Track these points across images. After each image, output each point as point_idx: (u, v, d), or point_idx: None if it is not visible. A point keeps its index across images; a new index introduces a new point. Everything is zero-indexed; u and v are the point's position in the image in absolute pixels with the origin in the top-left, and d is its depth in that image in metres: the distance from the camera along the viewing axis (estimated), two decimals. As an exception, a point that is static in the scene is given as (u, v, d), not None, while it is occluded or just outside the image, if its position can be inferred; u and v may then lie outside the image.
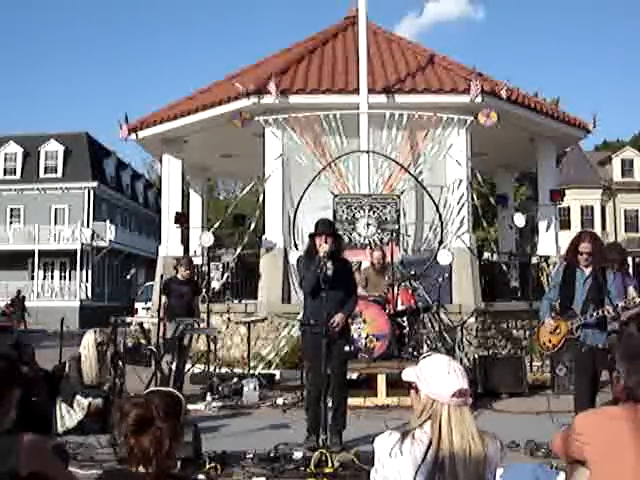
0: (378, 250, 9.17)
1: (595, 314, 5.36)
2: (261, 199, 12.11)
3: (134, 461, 1.99)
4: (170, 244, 13.57)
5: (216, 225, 12.89)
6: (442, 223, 11.27)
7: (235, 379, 8.30)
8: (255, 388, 7.80)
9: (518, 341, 11.71)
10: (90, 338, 6.42)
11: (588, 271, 5.52)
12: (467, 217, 11.71)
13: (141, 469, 1.99)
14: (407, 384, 2.34)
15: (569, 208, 36.22)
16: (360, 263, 10.46)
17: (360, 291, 8.22)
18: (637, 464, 2.17)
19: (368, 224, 10.78)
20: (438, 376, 2.25)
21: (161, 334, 7.83)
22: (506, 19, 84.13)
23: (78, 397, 6.17)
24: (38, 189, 34.35)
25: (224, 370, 9.35)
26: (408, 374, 2.33)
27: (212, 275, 11.98)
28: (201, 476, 4.54)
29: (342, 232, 10.32)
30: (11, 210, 34.61)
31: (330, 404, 5.47)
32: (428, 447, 2.16)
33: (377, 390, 7.38)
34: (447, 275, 10.93)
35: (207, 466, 4.70)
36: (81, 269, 32.73)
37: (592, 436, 2.28)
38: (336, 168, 11.31)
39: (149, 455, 1.96)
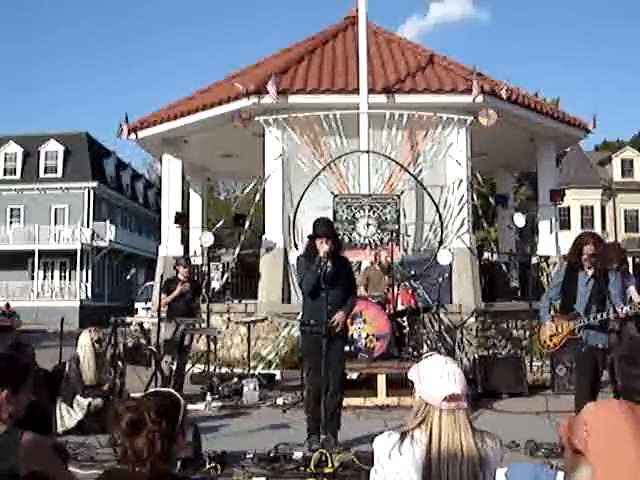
0: (383, 250, 9.16)
1: (600, 316, 5.37)
2: (259, 199, 12.12)
3: (129, 462, 2.00)
4: (170, 244, 13.56)
5: (217, 226, 12.89)
6: (442, 223, 11.27)
7: (235, 379, 8.31)
8: (255, 388, 7.80)
9: (518, 341, 11.71)
10: (85, 338, 6.42)
11: (590, 272, 5.53)
12: (467, 217, 11.70)
13: (137, 470, 2.00)
14: (410, 383, 2.33)
15: (569, 208, 36.22)
16: (360, 263, 10.46)
17: (360, 291, 8.23)
18: (637, 457, 2.17)
19: (368, 224, 10.78)
20: (431, 379, 2.24)
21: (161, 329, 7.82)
22: (509, 20, 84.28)
23: (78, 397, 6.17)
24: (38, 189, 34.35)
25: (224, 370, 9.35)
26: (411, 373, 2.34)
27: (212, 275, 11.98)
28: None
29: (342, 232, 10.34)
30: (11, 210, 34.59)
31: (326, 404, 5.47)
32: (426, 448, 2.16)
33: (377, 390, 7.38)
34: (447, 275, 10.93)
35: (207, 466, 4.70)
36: (81, 269, 32.73)
37: (596, 426, 2.28)
38: (336, 168, 11.30)
39: (142, 457, 1.98)
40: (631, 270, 8.00)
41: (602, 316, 5.38)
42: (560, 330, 5.61)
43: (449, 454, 2.14)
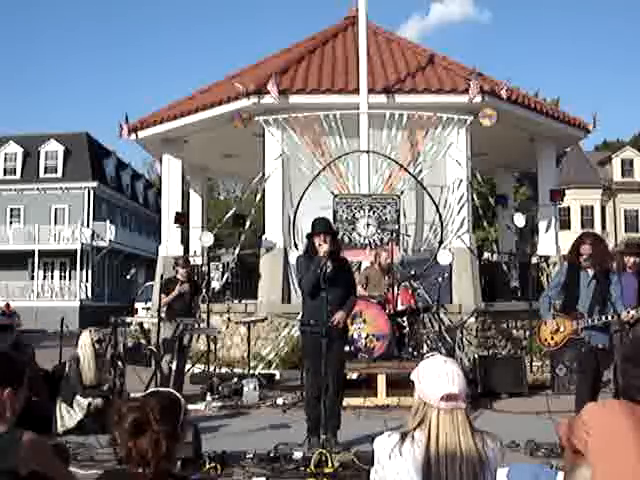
0: (384, 250, 9.16)
1: (604, 318, 5.38)
2: (259, 199, 12.14)
3: (132, 463, 1.99)
4: (170, 244, 13.57)
5: (218, 226, 12.90)
6: (442, 223, 11.27)
7: (235, 379, 8.30)
8: (255, 388, 7.80)
9: (518, 341, 11.71)
10: (86, 338, 6.42)
11: (591, 273, 5.53)
12: (467, 217, 11.70)
13: (140, 470, 2.00)
14: (412, 383, 2.34)
15: (569, 208, 36.23)
16: (360, 263, 10.46)
17: (360, 291, 8.23)
18: (637, 457, 2.17)
19: (368, 224, 10.78)
20: (429, 378, 2.24)
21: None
22: (509, 20, 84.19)
23: (78, 397, 6.17)
24: (38, 189, 34.34)
25: (224, 370, 9.35)
26: (413, 373, 2.34)
27: (212, 275, 11.98)
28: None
29: (342, 232, 10.33)
30: (11, 210, 34.58)
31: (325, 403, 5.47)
32: (424, 448, 2.16)
33: (377, 390, 7.38)
34: (447, 275, 10.92)
35: (207, 466, 4.70)
36: (81, 269, 32.72)
37: (596, 427, 2.28)
38: (336, 168, 11.30)
39: (147, 457, 1.97)
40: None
41: (606, 318, 5.39)
42: (562, 329, 5.62)
43: (448, 454, 2.13)
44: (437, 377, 2.23)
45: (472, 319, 10.91)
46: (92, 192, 34.46)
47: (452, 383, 2.21)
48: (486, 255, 14.01)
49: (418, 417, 2.23)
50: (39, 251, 32.24)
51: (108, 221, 34.76)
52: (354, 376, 8.13)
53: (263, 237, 11.90)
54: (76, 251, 32.27)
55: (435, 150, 11.66)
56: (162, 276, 9.26)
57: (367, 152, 11.11)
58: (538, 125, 13.10)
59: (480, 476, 2.15)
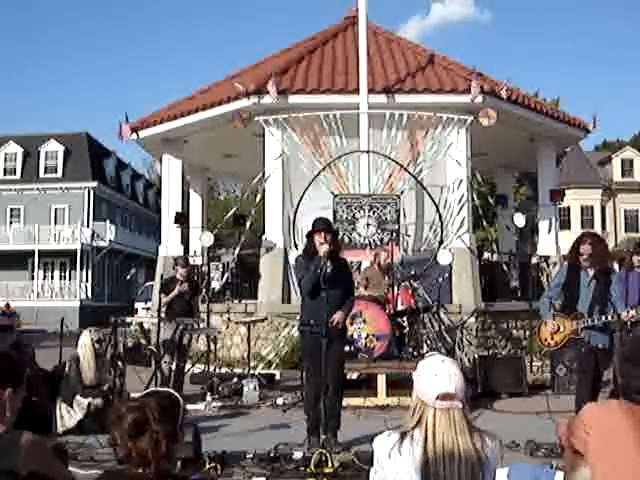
0: (384, 250, 9.16)
1: (604, 318, 5.38)
2: (259, 199, 12.14)
3: (132, 463, 1.99)
4: (170, 244, 13.57)
5: (218, 226, 12.91)
6: (442, 223, 11.27)
7: (235, 379, 8.30)
8: (255, 388, 7.80)
9: (518, 341, 11.71)
10: (85, 338, 6.42)
11: (592, 273, 5.53)
12: (467, 217, 11.70)
13: (140, 471, 1.99)
14: (412, 382, 2.34)
15: (569, 208, 36.22)
16: (360, 263, 10.46)
17: (360, 291, 8.23)
18: (636, 457, 2.17)
19: (368, 224, 10.78)
20: (425, 377, 2.25)
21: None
22: (509, 20, 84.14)
23: (78, 397, 6.17)
24: (38, 189, 34.35)
25: (224, 370, 9.35)
26: (414, 372, 2.34)
27: (212, 275, 11.98)
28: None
29: (342, 232, 10.33)
30: (11, 210, 34.59)
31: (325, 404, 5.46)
32: (422, 447, 2.16)
33: (377, 390, 7.38)
34: (447, 275, 10.93)
35: (207, 466, 4.70)
36: (81, 269, 32.72)
37: (596, 427, 2.28)
38: (336, 168, 11.30)
39: (147, 458, 1.97)
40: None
41: (606, 318, 5.39)
42: (562, 329, 5.62)
43: (445, 453, 2.14)
44: (434, 376, 2.23)
45: (472, 319, 10.91)
46: (92, 192, 34.47)
47: (448, 382, 2.21)
48: (486, 255, 14.01)
49: (416, 416, 2.23)
50: (39, 251, 32.23)
51: (108, 221, 34.76)
52: (354, 376, 8.13)
53: (263, 237, 11.90)
54: (76, 251, 32.27)
55: (435, 150, 11.66)
56: (162, 276, 9.27)
57: (367, 152, 11.11)
58: (538, 125, 13.10)
59: (479, 475, 2.15)
